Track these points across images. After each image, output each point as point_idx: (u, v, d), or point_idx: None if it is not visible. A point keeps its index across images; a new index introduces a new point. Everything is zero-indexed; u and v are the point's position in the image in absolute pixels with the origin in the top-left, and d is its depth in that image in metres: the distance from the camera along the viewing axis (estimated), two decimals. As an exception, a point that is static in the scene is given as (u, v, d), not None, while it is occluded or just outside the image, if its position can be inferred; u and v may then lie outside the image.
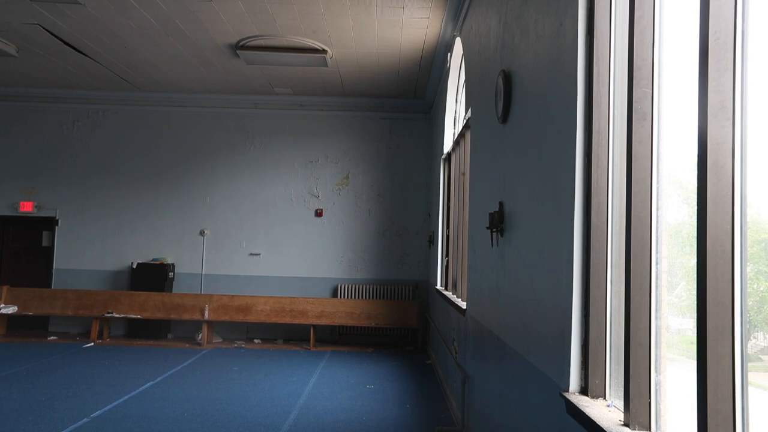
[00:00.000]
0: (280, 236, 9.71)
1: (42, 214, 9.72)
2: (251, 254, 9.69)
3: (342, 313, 9.12)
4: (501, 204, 3.50)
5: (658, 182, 1.85)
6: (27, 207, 9.68)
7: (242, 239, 9.72)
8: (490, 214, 3.61)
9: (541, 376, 2.55)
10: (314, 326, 8.96)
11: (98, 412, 5.10)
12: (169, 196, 9.78)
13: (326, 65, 7.77)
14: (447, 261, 7.18)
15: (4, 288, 9.16)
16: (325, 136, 9.86)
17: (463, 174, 5.72)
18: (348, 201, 9.78)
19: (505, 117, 3.47)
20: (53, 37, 7.19)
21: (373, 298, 9.43)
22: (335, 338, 9.53)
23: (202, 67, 8.29)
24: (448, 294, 6.50)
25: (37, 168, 9.77)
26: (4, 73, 8.88)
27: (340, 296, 9.45)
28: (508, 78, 3.40)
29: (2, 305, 9.01)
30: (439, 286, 7.60)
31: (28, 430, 4.58)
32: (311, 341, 8.90)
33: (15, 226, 9.87)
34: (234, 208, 9.77)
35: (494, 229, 3.56)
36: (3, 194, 9.73)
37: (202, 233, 9.71)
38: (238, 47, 7.30)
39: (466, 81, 5.65)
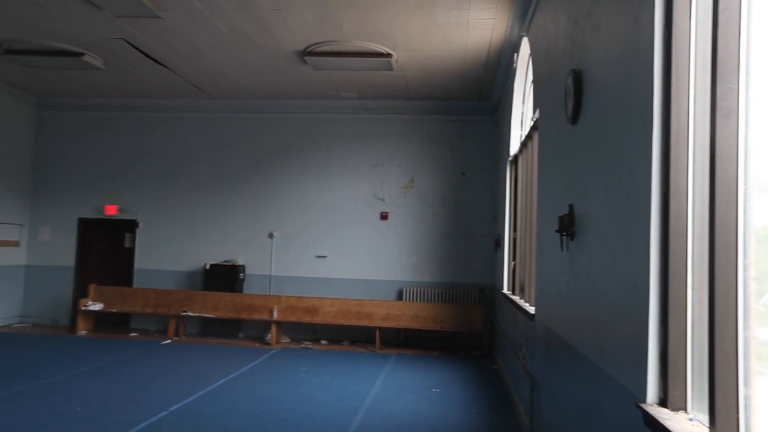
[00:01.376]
0: (346, 239, 9.84)
1: (124, 217, 10.30)
2: (318, 256, 9.87)
3: (407, 316, 9.13)
4: (571, 207, 3.40)
5: (744, 183, 1.74)
6: (111, 210, 10.28)
7: (309, 242, 9.92)
8: (560, 218, 3.52)
9: (615, 385, 2.45)
10: (380, 328, 9.02)
11: (176, 407, 5.34)
12: (240, 199, 10.12)
13: (391, 69, 7.82)
14: (514, 264, 7.04)
15: (92, 286, 9.77)
16: (390, 139, 9.92)
17: (531, 176, 5.59)
18: (413, 204, 9.79)
19: (575, 117, 3.37)
20: (135, 49, 7.61)
21: (438, 301, 9.38)
22: (400, 341, 9.55)
23: (270, 74, 8.53)
24: (516, 298, 6.37)
25: (120, 173, 10.37)
26: (91, 85, 9.48)
27: (406, 299, 9.47)
28: (578, 77, 3.31)
29: (90, 302, 9.61)
30: (506, 290, 7.46)
31: (114, 421, 4.86)
32: (377, 343, 8.96)
33: (101, 228, 10.51)
34: (301, 212, 9.99)
35: (564, 233, 3.46)
36: (90, 199, 10.38)
37: (270, 236, 9.98)
38: (306, 53, 7.47)
39: (533, 81, 5.54)
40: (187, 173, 10.27)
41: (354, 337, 9.54)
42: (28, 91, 10.08)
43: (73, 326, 9.76)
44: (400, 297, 9.58)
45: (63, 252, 10.39)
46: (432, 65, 7.86)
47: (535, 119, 5.26)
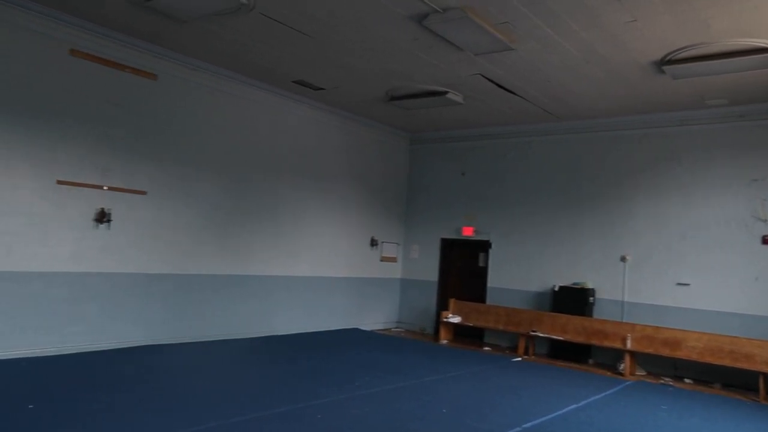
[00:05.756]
0: (714, 265, 8.58)
1: (479, 238, 11.15)
2: (679, 284, 8.85)
3: (803, 363, 7.39)
4: None
5: None
6: (468, 232, 11.27)
7: (668, 267, 8.99)
8: None
9: None
10: (765, 374, 7.52)
11: (529, 424, 5.45)
12: (589, 220, 9.86)
13: (776, 64, 6.57)
14: None
15: (452, 300, 10.85)
16: (773, 147, 8.30)
17: None
18: (809, 225, 7.92)
19: None
20: (490, 82, 8.23)
21: None
22: (793, 393, 7.76)
23: (621, 90, 8.13)
24: None
25: (476, 197, 11.29)
26: (451, 119, 10.65)
27: (800, 342, 7.67)
28: None
29: (450, 315, 10.68)
30: None
31: (474, 426, 5.24)
32: (761, 392, 7.48)
33: (459, 247, 11.61)
34: (658, 233, 9.14)
35: None
36: (450, 220, 11.59)
37: (623, 259, 9.41)
38: (663, 62, 6.88)
39: None
40: (537, 195, 10.53)
41: (728, 380, 8.17)
42: (404, 129, 11.92)
43: (436, 335, 10.98)
44: (791, 339, 7.83)
45: (428, 268, 11.84)
46: (837, 52, 6.30)
47: None
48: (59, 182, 6.98)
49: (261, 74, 8.72)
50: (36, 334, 6.78)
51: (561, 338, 9.32)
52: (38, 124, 6.82)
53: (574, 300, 9.54)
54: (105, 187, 7.39)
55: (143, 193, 7.80)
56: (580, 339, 9.17)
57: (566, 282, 9.87)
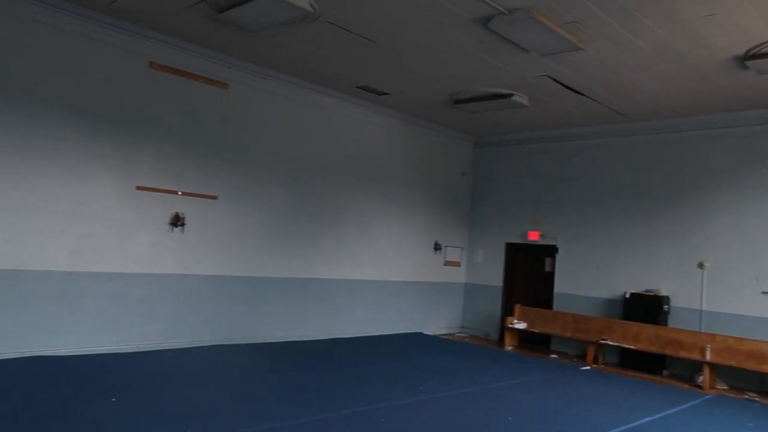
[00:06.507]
0: (805, 273, 8.00)
1: (545, 242, 10.88)
2: (764, 293, 8.31)
3: None
4: None
5: None
6: (533, 236, 11.03)
7: (752, 275, 8.45)
8: None
9: None
10: None
11: (599, 436, 5.27)
12: (663, 225, 9.42)
13: None
14: None
15: (517, 306, 10.64)
16: None
17: None
18: None
19: None
20: (556, 83, 8.04)
21: None
22: None
23: (698, 87, 7.74)
24: None
25: (542, 201, 11.04)
26: (516, 122, 10.47)
27: None
28: None
29: (515, 321, 10.47)
30: None
31: (540, 437, 5.12)
32: None
33: (524, 252, 11.37)
34: (739, 239, 8.63)
35: None
36: (515, 224, 11.38)
37: (700, 266, 8.94)
38: (747, 57, 6.50)
39: None
40: (605, 198, 10.18)
41: (819, 398, 7.60)
42: (468, 132, 11.82)
43: (501, 341, 10.79)
44: None
45: (493, 273, 11.66)
46: None
47: None
48: (138, 188, 7.36)
49: (325, 80, 8.88)
50: (118, 331, 7.17)
51: (633, 347, 8.94)
52: (120, 133, 7.23)
53: (646, 308, 9.13)
54: (179, 193, 7.73)
55: (214, 197, 8.10)
56: (653, 349, 8.77)
57: (638, 289, 9.46)
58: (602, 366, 9.23)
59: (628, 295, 9.40)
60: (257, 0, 5.94)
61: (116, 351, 7.06)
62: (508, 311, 11.01)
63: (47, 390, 5.29)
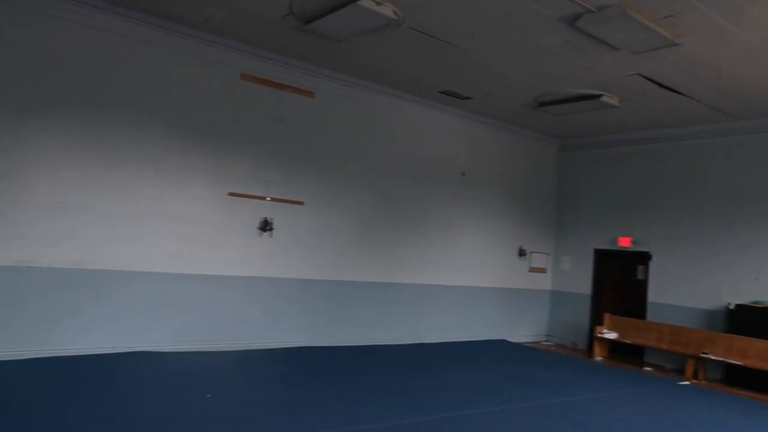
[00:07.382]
0: None
1: (637, 248, 10.34)
2: None
3: None
4: None
5: None
6: (624, 242, 10.51)
7: None
8: None
9: None
10: None
11: (701, 456, 4.92)
12: (773, 231, 8.69)
13: None
14: None
15: (607, 315, 10.18)
16: None
17: None
18: None
19: None
20: (650, 82, 7.64)
21: None
22: None
23: (816, 80, 7.09)
24: None
25: (633, 205, 10.51)
26: (604, 123, 10.04)
27: None
28: None
29: (605, 330, 10.02)
30: None
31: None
32: None
33: (614, 259, 10.86)
34: None
35: None
36: (604, 230, 10.90)
37: (817, 275, 8.16)
38: None
39: None
40: (704, 203, 9.53)
41: None
42: (553, 135, 11.48)
43: (589, 351, 10.36)
44: None
45: (581, 280, 11.22)
46: None
47: None
48: (230, 194, 7.73)
49: (408, 86, 8.93)
50: (212, 331, 7.54)
51: (740, 363, 8.29)
52: (213, 142, 7.62)
53: (755, 321, 8.43)
54: (268, 198, 8.03)
55: (301, 203, 8.34)
56: (764, 365, 8.09)
57: (743, 300, 8.77)
58: (703, 381, 8.63)
59: (732, 307, 8.74)
60: (342, 10, 6.08)
61: (210, 350, 7.42)
62: (596, 320, 10.55)
63: (152, 384, 5.65)
